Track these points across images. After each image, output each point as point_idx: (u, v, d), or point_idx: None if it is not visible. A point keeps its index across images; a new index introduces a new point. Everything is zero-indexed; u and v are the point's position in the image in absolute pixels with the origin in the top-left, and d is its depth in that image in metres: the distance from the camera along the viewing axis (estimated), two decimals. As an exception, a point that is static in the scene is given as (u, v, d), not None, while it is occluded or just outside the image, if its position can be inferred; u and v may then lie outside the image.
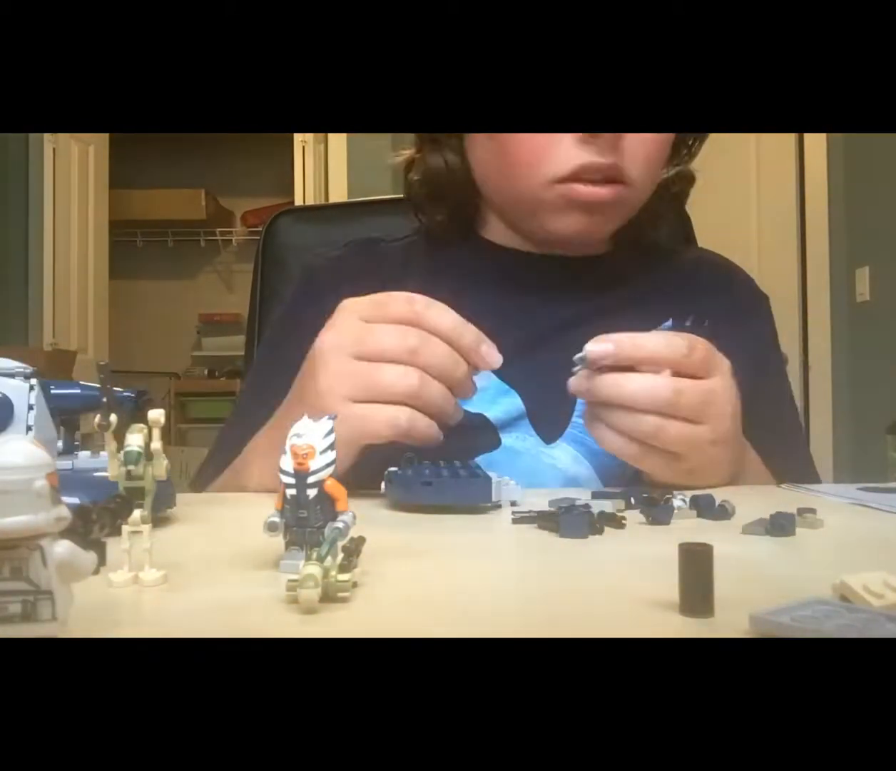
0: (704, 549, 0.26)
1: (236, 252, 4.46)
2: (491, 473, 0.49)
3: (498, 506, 0.48)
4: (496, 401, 0.66)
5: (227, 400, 3.74)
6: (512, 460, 0.64)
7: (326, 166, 3.64)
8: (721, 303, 0.72)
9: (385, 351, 0.52)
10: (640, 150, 0.62)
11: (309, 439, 0.32)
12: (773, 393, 0.76)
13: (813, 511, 0.44)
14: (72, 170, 3.49)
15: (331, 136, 3.63)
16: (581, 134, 0.60)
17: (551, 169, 0.62)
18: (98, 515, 0.36)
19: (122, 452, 0.31)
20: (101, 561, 0.23)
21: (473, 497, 0.48)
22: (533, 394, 0.66)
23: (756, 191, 3.00)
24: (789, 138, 2.92)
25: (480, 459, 0.61)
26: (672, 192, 0.74)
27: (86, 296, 3.60)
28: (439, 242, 0.74)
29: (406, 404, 0.51)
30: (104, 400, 0.32)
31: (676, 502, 0.48)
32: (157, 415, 0.32)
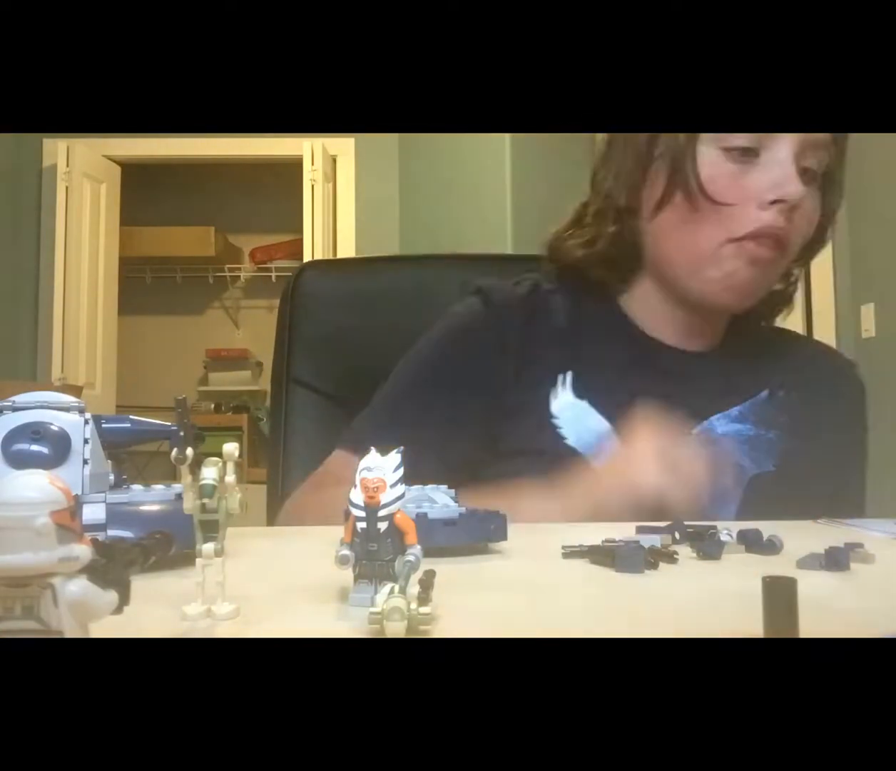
0: (789, 581, 0.26)
1: (244, 288, 4.49)
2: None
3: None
4: None
5: (234, 434, 3.74)
6: None
7: (335, 204, 3.68)
8: (815, 378, 0.80)
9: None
10: (803, 225, 0.70)
11: (379, 473, 0.33)
12: (853, 483, 0.83)
13: (861, 545, 0.45)
14: (84, 207, 3.53)
15: (339, 174, 3.68)
16: (766, 200, 0.68)
17: (732, 229, 0.70)
18: (127, 552, 0.36)
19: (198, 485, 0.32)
20: (124, 600, 0.23)
21: (493, 535, 0.48)
22: None
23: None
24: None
25: None
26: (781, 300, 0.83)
27: (94, 331, 3.62)
28: (590, 312, 0.81)
29: None
30: (181, 434, 0.32)
31: (723, 536, 0.48)
32: (231, 449, 0.33)
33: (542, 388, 0.74)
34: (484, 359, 0.76)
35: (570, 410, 0.74)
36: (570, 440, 0.73)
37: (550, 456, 0.71)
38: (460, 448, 0.74)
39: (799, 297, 2.95)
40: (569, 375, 0.75)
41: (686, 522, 0.52)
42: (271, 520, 0.90)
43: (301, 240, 3.54)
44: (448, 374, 0.77)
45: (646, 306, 0.80)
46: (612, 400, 0.74)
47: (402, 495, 0.33)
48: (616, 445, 0.71)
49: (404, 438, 0.80)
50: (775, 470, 0.75)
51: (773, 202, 0.68)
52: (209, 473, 0.32)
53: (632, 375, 0.77)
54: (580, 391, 0.74)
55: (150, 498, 0.44)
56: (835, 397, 0.81)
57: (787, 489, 0.74)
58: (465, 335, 0.78)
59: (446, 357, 0.78)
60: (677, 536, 0.50)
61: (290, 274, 1.03)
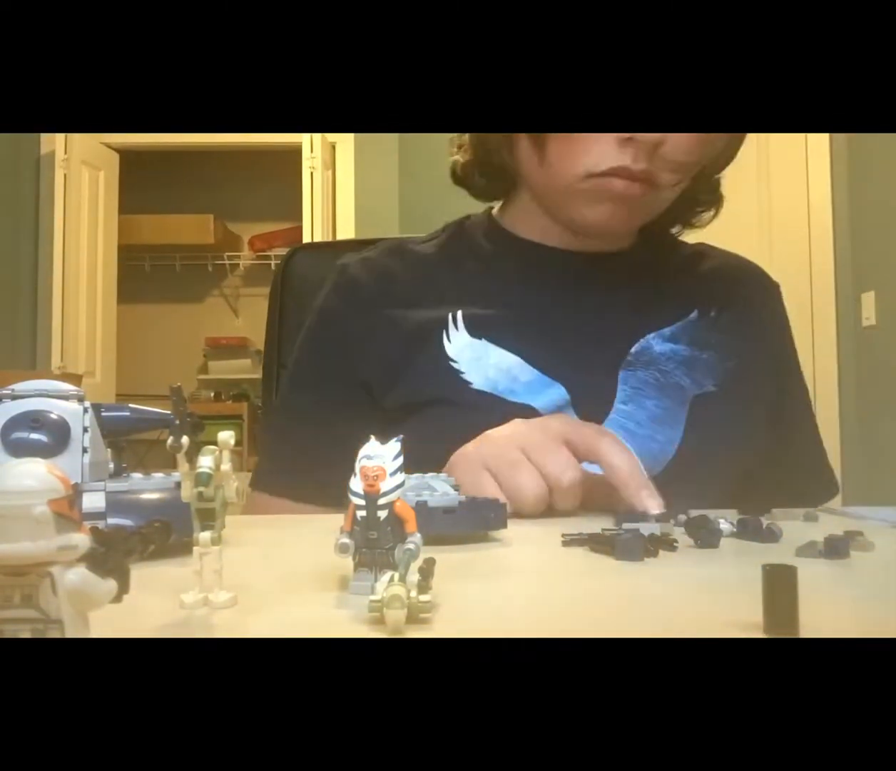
0: (789, 569, 0.26)
1: (243, 276, 4.48)
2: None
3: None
4: (541, 392, 0.68)
5: (234, 423, 3.75)
6: None
7: (334, 191, 3.67)
8: (739, 295, 0.78)
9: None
10: (672, 159, 0.65)
11: (379, 461, 0.33)
12: (795, 382, 0.82)
13: (861, 534, 0.45)
14: (82, 195, 3.52)
15: (338, 161, 3.67)
16: (621, 137, 0.63)
17: (589, 164, 0.65)
18: (127, 541, 0.36)
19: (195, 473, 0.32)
20: (124, 588, 0.23)
21: (493, 523, 0.48)
22: (575, 383, 0.69)
23: (768, 219, 3.03)
24: (798, 167, 2.95)
25: None
26: (696, 203, 0.78)
27: (94, 319, 3.61)
28: (466, 239, 0.78)
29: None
30: (176, 422, 0.32)
31: (723, 525, 0.48)
32: (226, 437, 0.32)
33: (426, 340, 0.69)
34: (345, 342, 0.73)
35: (468, 351, 0.69)
36: (476, 384, 0.68)
37: (456, 404, 0.66)
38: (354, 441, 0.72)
39: (800, 285, 2.94)
40: (459, 314, 0.70)
41: (690, 512, 0.52)
42: None
43: (300, 227, 3.53)
44: (317, 373, 0.74)
45: (529, 219, 0.76)
46: (514, 331, 0.69)
47: (402, 483, 0.33)
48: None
49: (304, 462, 0.74)
50: (716, 390, 0.73)
51: (628, 141, 0.63)
52: (205, 462, 0.32)
53: (531, 293, 0.72)
54: (475, 330, 0.70)
55: (149, 486, 0.43)
56: (760, 307, 0.80)
57: (731, 408, 0.72)
58: (323, 327, 0.76)
59: (313, 355, 0.75)
60: (673, 522, 0.50)
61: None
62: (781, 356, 0.81)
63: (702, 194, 0.76)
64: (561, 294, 0.73)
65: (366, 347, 0.72)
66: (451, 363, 0.69)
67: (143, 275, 4.33)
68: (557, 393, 0.68)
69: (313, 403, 0.74)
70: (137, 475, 0.46)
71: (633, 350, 0.71)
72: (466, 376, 0.68)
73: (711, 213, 0.79)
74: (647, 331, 0.73)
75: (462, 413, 0.66)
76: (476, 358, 0.68)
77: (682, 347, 0.73)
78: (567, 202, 0.69)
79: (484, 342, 0.69)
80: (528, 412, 0.66)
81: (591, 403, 0.68)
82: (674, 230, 0.81)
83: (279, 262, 1.01)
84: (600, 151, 0.64)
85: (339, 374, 0.73)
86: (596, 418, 0.67)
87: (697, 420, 0.70)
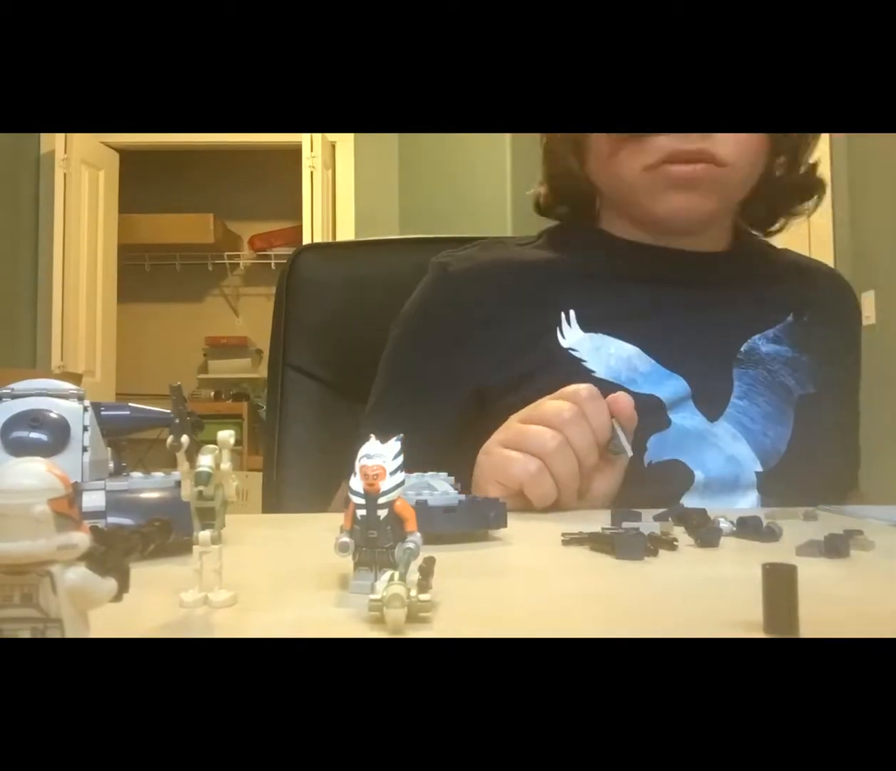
0: (789, 568, 0.26)
1: (243, 276, 4.48)
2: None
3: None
4: (662, 383, 0.69)
5: (234, 422, 3.75)
6: (682, 439, 0.68)
7: (334, 191, 3.67)
8: (829, 300, 0.79)
9: (542, 415, 0.58)
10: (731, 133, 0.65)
11: (379, 460, 0.33)
12: (853, 389, 0.83)
13: (861, 532, 0.45)
14: (82, 195, 3.53)
15: (338, 161, 3.67)
16: None
17: (641, 159, 0.67)
18: (127, 540, 0.36)
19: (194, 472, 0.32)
20: (123, 587, 0.23)
21: (493, 522, 0.48)
22: (694, 376, 0.69)
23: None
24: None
25: (653, 439, 0.66)
26: (791, 190, 0.78)
27: (94, 319, 3.62)
28: (567, 241, 0.78)
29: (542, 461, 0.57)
30: (176, 421, 0.32)
31: (723, 525, 0.48)
32: (226, 436, 0.32)
33: (539, 338, 0.70)
34: (450, 345, 0.73)
35: (587, 343, 0.69)
36: (599, 373, 0.68)
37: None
38: (450, 430, 0.72)
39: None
40: (572, 313, 0.70)
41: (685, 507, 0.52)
42: (267, 507, 0.90)
43: (300, 227, 3.54)
44: (419, 377, 0.75)
45: (621, 226, 0.77)
46: (627, 323, 0.70)
47: (402, 483, 0.33)
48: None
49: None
50: (815, 392, 0.74)
51: None
52: (205, 461, 0.32)
53: (641, 289, 0.72)
54: (588, 326, 0.70)
55: (149, 485, 0.43)
56: (846, 321, 0.82)
57: (828, 412, 0.74)
58: (425, 316, 0.76)
59: (414, 343, 0.76)
60: (670, 520, 0.50)
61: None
62: (855, 378, 0.83)
63: (795, 181, 0.76)
64: (671, 290, 0.73)
65: (474, 351, 0.72)
66: (572, 352, 0.69)
67: (143, 274, 4.33)
68: (678, 384, 0.69)
69: (412, 406, 0.73)
70: (137, 474, 0.46)
71: (742, 349, 0.72)
72: (588, 365, 0.69)
73: (813, 200, 0.77)
74: (752, 332, 0.73)
75: None
76: (595, 348, 0.69)
77: (785, 349, 0.74)
78: (638, 200, 0.70)
79: (600, 335, 0.69)
80: (653, 402, 0.67)
81: (709, 397, 0.69)
82: (777, 225, 0.80)
83: (284, 261, 1.01)
84: (651, 143, 0.65)
85: (444, 378, 0.73)
86: (714, 412, 0.69)
87: (802, 420, 0.72)
